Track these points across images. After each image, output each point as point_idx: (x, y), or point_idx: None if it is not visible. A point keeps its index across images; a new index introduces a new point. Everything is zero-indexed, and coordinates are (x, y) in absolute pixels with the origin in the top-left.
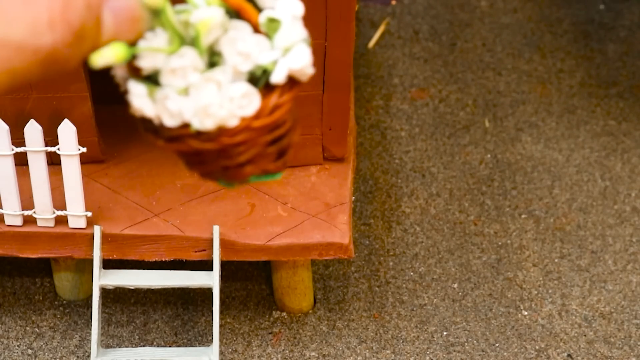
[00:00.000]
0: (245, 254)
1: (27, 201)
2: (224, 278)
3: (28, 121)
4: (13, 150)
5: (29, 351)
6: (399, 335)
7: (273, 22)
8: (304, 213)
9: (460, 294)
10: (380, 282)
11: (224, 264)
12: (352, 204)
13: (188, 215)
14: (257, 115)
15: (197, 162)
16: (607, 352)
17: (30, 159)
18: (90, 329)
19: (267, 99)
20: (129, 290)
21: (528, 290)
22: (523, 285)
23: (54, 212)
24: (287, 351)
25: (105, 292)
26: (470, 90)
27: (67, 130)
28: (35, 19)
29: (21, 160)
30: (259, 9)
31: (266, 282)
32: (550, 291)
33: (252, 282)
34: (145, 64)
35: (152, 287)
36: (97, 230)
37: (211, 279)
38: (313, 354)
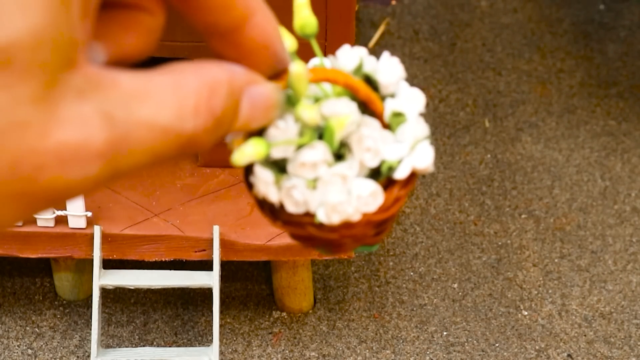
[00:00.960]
0: (245, 254)
1: None
2: (224, 278)
3: None
4: None
5: (29, 351)
6: (399, 335)
7: (398, 116)
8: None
9: (460, 294)
10: (380, 282)
11: (224, 264)
12: None
13: (188, 215)
14: (378, 211)
15: (307, 240)
16: (607, 352)
17: None
18: (90, 329)
19: (389, 194)
20: (129, 290)
21: (528, 290)
22: (523, 285)
23: (54, 212)
24: (287, 351)
25: (105, 292)
26: (470, 90)
27: None
28: (183, 105)
29: None
30: (382, 95)
31: (266, 282)
32: (550, 291)
33: (252, 282)
34: (277, 154)
35: (152, 287)
36: (97, 230)
37: (211, 279)
38: (313, 354)
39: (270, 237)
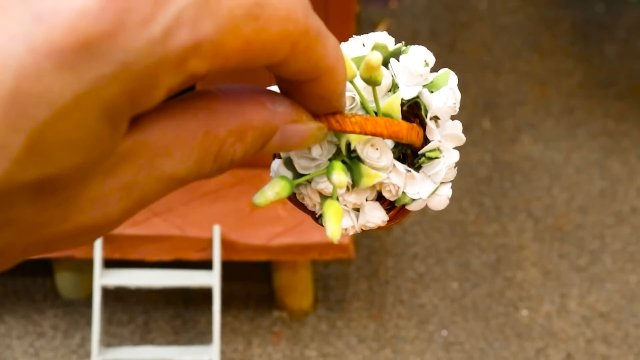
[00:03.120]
0: (246, 253)
1: None
2: (224, 277)
3: None
4: None
5: (31, 350)
6: (399, 335)
7: (434, 152)
8: (304, 213)
9: (459, 293)
10: (380, 281)
11: (224, 264)
12: None
13: (188, 215)
14: (378, 225)
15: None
16: (606, 351)
17: None
18: (92, 328)
19: (394, 218)
20: (130, 289)
21: (527, 290)
22: (522, 285)
23: None
24: (287, 350)
25: (106, 291)
26: (470, 90)
27: None
28: (206, 154)
29: None
30: (428, 116)
31: (266, 281)
32: (549, 291)
33: (252, 281)
34: (321, 185)
35: (153, 287)
36: None
37: (212, 279)
38: (313, 353)
39: (271, 237)
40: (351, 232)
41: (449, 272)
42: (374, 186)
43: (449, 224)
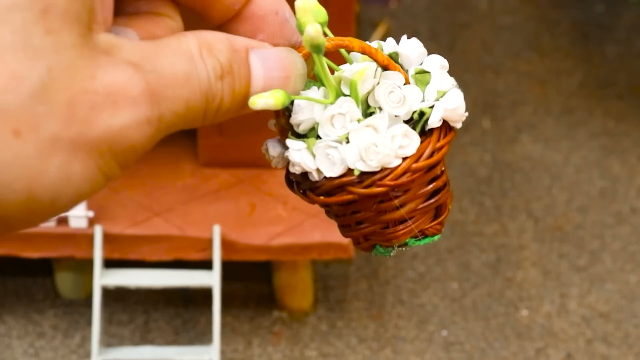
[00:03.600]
0: (246, 253)
1: None
2: (224, 277)
3: None
4: None
5: (31, 350)
6: (399, 335)
7: (423, 74)
8: (304, 213)
9: (459, 293)
10: (380, 281)
11: (224, 264)
12: None
13: (188, 215)
14: (417, 157)
15: (355, 222)
16: (606, 351)
17: None
18: (92, 328)
19: (427, 142)
20: (130, 289)
21: (527, 290)
22: (522, 285)
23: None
24: (287, 350)
25: (106, 291)
26: (470, 90)
27: None
28: (190, 54)
29: None
30: (405, 71)
31: (266, 281)
32: (549, 291)
33: (252, 281)
34: (303, 116)
35: (153, 287)
36: (98, 230)
37: (212, 279)
38: (313, 353)
39: (271, 237)
40: (394, 161)
41: (449, 272)
42: (392, 117)
43: (449, 224)
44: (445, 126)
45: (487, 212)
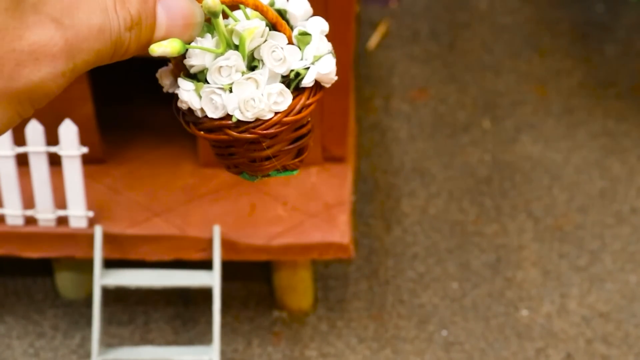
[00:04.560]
0: (246, 253)
1: (28, 201)
2: (224, 278)
3: (29, 121)
4: (14, 150)
5: (31, 350)
6: (399, 335)
7: (304, 36)
8: (304, 213)
9: (459, 293)
10: (380, 281)
11: (224, 264)
12: (352, 204)
13: (188, 215)
14: (288, 112)
15: (228, 154)
16: (606, 351)
17: (32, 159)
18: (92, 328)
19: (298, 99)
20: (130, 289)
21: (527, 290)
22: (522, 285)
23: (55, 212)
24: (287, 350)
25: (106, 291)
26: (470, 90)
27: (68, 130)
28: (105, 7)
29: (23, 161)
30: (291, 27)
31: (266, 281)
32: (549, 291)
33: (252, 281)
34: (195, 62)
35: (153, 287)
36: (98, 230)
37: (212, 279)
38: (313, 353)
39: (271, 237)
40: (268, 114)
41: (449, 272)
42: (272, 73)
43: (449, 224)
44: (316, 86)
45: (487, 212)
